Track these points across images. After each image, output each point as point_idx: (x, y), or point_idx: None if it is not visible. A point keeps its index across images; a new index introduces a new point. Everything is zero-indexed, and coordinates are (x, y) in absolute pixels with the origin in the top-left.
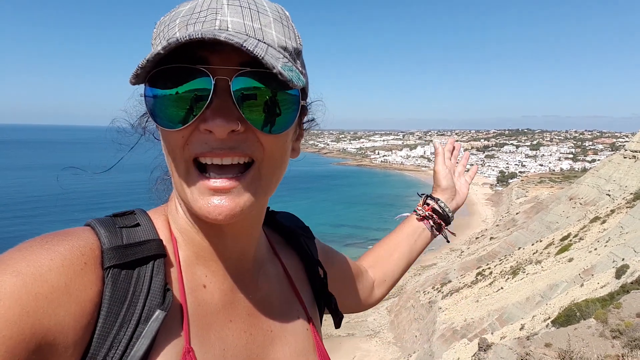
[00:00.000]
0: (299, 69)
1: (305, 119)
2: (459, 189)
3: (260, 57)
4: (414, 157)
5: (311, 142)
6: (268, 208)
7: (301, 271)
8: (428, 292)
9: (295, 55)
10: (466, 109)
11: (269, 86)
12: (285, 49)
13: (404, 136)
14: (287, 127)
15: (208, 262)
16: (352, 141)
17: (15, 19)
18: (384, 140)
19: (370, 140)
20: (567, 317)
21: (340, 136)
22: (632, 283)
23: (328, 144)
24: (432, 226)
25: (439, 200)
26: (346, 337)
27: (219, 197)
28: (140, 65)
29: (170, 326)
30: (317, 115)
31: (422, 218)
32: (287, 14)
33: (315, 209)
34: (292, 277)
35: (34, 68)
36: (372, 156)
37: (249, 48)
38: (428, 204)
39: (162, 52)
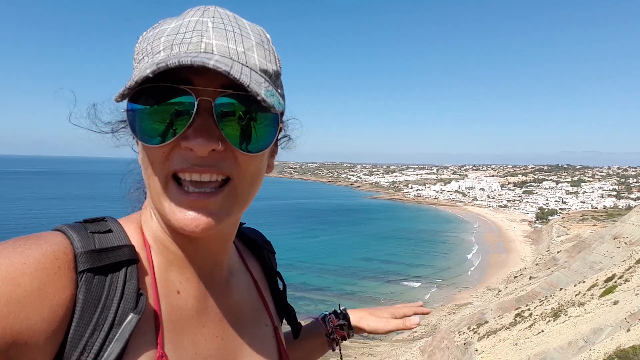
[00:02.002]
0: (278, 92)
1: (280, 135)
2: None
3: (246, 85)
4: (448, 191)
5: (344, 175)
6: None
7: (264, 282)
8: (463, 333)
9: (275, 77)
10: (502, 143)
11: (249, 107)
12: (266, 72)
13: (437, 170)
14: (266, 147)
15: (182, 269)
16: (385, 175)
17: None
18: (417, 174)
19: (403, 174)
20: None
21: (373, 170)
22: None
23: (360, 178)
24: (331, 343)
25: (351, 329)
26: None
27: (196, 211)
28: (128, 87)
29: (144, 331)
30: (292, 134)
31: (331, 340)
32: (268, 36)
33: (346, 242)
34: (259, 287)
35: None
36: (405, 190)
37: (235, 76)
38: (342, 328)
39: (151, 75)
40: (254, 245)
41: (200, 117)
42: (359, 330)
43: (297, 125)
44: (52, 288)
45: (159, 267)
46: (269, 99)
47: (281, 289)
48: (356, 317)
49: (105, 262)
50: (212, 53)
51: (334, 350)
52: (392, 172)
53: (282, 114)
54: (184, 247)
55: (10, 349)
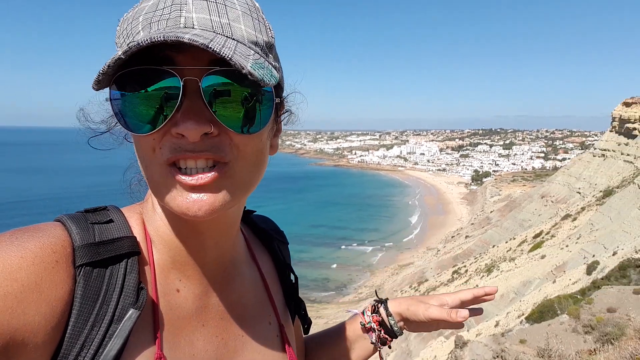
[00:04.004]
0: (272, 64)
1: (282, 111)
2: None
3: (228, 58)
4: (390, 157)
5: (288, 142)
6: (244, 208)
7: (274, 275)
8: (405, 291)
9: (267, 49)
10: (441, 108)
11: (241, 84)
12: (256, 43)
13: (380, 136)
14: (263, 126)
15: (184, 266)
16: (329, 141)
17: None
18: (360, 141)
19: (347, 140)
20: (540, 314)
21: (318, 136)
22: (602, 279)
23: (305, 145)
24: (376, 339)
25: (390, 315)
26: None
27: (197, 193)
28: (101, 72)
29: (143, 329)
30: (295, 108)
31: (367, 329)
32: (257, 5)
33: (292, 209)
34: (267, 280)
35: None
36: (349, 156)
37: (215, 49)
38: (377, 313)
39: (122, 56)
40: (265, 235)
41: (188, 99)
42: (404, 321)
43: (298, 98)
44: (50, 283)
45: (160, 263)
46: (257, 72)
47: (294, 282)
48: (396, 302)
49: (105, 256)
50: (193, 27)
51: (381, 346)
52: (336, 138)
53: (280, 88)
54: (189, 238)
55: (9, 345)
